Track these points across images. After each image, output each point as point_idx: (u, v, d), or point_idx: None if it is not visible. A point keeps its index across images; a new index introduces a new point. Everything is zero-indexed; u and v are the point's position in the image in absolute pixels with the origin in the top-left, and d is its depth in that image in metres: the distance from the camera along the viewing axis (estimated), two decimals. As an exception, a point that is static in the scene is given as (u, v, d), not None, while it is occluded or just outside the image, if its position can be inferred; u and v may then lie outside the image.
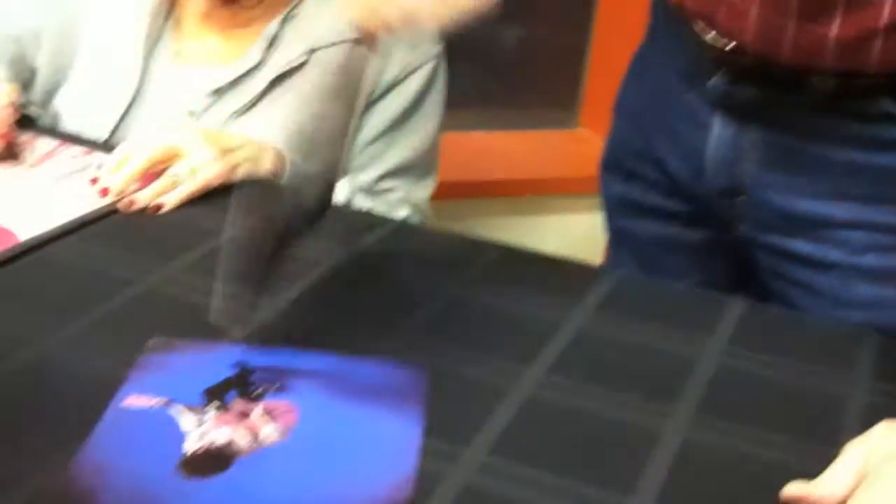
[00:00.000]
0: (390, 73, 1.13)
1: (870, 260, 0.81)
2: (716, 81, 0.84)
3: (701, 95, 0.87)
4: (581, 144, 2.04)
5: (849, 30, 0.73)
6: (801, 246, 0.85)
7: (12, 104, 1.01)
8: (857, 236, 0.82)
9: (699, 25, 0.83)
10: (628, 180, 0.99)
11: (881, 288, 0.82)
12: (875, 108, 0.77)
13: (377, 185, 1.13)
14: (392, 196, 1.13)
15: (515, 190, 1.88)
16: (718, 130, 0.86)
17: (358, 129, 1.11)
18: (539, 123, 2.12)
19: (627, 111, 1.00)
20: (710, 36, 0.82)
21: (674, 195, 0.94)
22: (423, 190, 1.17)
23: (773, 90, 0.81)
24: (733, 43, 0.80)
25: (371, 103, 1.13)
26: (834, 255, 0.83)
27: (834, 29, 0.74)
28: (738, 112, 0.84)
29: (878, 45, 0.73)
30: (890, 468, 0.56)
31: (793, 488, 0.59)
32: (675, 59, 0.91)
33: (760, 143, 0.84)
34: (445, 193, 1.22)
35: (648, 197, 0.97)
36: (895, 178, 0.79)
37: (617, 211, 1.03)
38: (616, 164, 1.02)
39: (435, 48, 1.15)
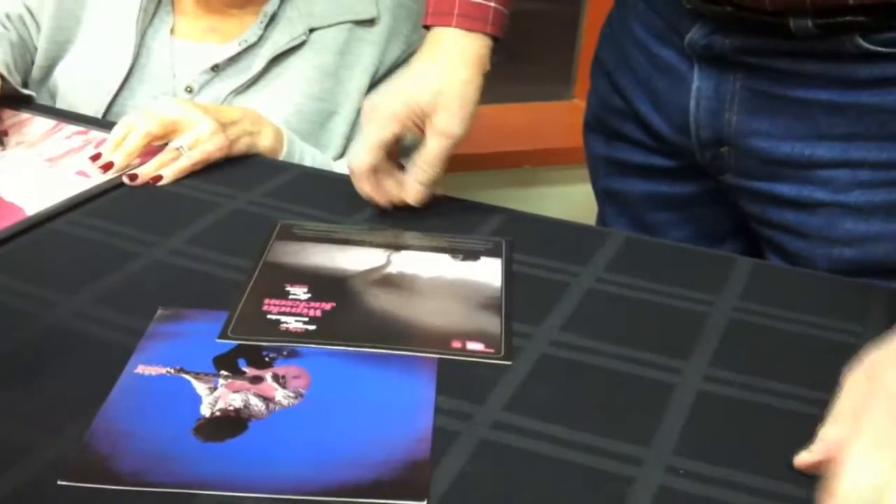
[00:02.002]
0: (393, 53, 1.12)
1: (856, 197, 0.82)
2: (693, 34, 0.84)
3: (679, 51, 0.87)
4: (577, 115, 2.03)
5: None
6: (787, 189, 0.85)
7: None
8: (842, 174, 0.82)
9: None
10: (611, 140, 1.00)
11: (868, 223, 0.83)
12: (852, 46, 0.77)
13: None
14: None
15: (513, 162, 1.88)
16: (699, 84, 0.86)
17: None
18: (535, 96, 2.11)
19: (603, 71, 1.00)
20: None
21: (658, 151, 0.94)
22: None
23: (751, 37, 0.81)
24: None
25: (375, 83, 1.12)
26: (820, 194, 0.83)
27: None
28: (717, 63, 0.85)
29: None
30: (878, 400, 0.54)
31: (805, 457, 0.58)
32: (647, 18, 0.91)
33: (741, 92, 0.84)
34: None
35: (633, 155, 0.97)
36: (876, 115, 0.79)
37: (603, 171, 1.03)
38: (598, 125, 1.02)
39: None
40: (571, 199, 1.96)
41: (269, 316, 0.70)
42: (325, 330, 0.69)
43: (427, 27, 0.86)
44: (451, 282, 0.75)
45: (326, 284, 0.75)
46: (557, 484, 0.56)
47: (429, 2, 0.86)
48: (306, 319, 0.69)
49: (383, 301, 0.73)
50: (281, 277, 0.75)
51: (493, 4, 0.85)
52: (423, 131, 0.83)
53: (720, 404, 0.63)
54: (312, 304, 0.71)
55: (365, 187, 0.85)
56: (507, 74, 2.20)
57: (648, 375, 0.66)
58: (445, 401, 0.62)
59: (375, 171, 0.84)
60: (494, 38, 0.86)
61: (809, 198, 0.84)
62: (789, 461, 0.58)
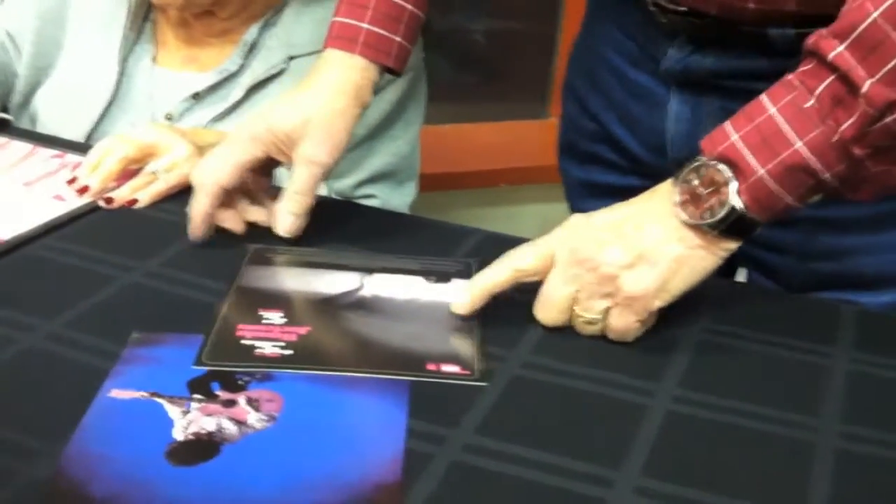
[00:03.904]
0: None
1: (831, 211, 0.83)
2: (670, 59, 0.85)
3: (653, 75, 0.88)
4: (553, 134, 2.05)
5: None
6: None
7: None
8: None
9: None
10: (585, 163, 1.01)
11: (843, 237, 0.85)
12: None
13: (355, 192, 1.13)
14: (371, 203, 1.13)
15: (489, 180, 1.89)
16: (676, 107, 0.88)
17: None
18: (511, 115, 2.13)
19: (574, 95, 1.01)
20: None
21: (633, 172, 0.95)
22: (402, 196, 1.17)
23: (729, 57, 0.82)
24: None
25: None
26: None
27: None
28: (694, 87, 0.86)
29: None
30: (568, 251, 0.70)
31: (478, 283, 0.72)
32: (619, 42, 0.92)
33: (719, 112, 0.85)
34: (421, 186, 1.23)
35: (607, 177, 0.98)
36: None
37: (579, 194, 1.04)
38: (572, 148, 1.03)
39: (417, 56, 1.15)
40: (548, 218, 1.95)
41: (242, 342, 0.70)
42: (301, 354, 0.69)
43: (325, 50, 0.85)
44: (424, 304, 0.76)
45: (301, 308, 0.75)
46: (528, 506, 0.57)
47: (332, 25, 0.85)
48: (283, 344, 0.70)
49: (358, 325, 0.74)
50: (254, 302, 0.75)
51: (398, 39, 0.85)
52: (290, 158, 0.82)
53: (690, 425, 0.64)
54: (287, 328, 0.72)
55: (202, 205, 0.81)
56: (483, 93, 2.23)
57: (619, 397, 0.67)
58: (418, 424, 0.62)
59: (227, 191, 0.82)
60: (392, 72, 0.86)
61: None
62: (757, 481, 0.59)
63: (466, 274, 0.80)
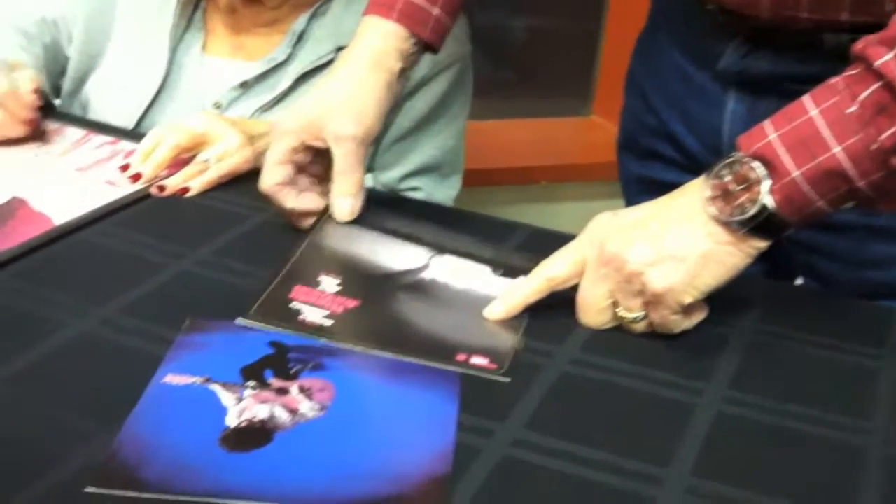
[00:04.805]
0: (419, 72, 1.13)
1: (884, 220, 0.83)
2: (727, 59, 0.85)
3: (712, 74, 0.88)
4: (595, 132, 2.05)
5: None
6: None
7: (36, 90, 1.02)
8: None
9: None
10: (645, 158, 1.00)
11: (894, 246, 0.84)
12: None
13: (400, 184, 1.13)
14: (415, 195, 1.14)
15: (530, 177, 1.89)
16: (733, 106, 0.87)
17: (386, 127, 1.11)
18: (551, 112, 2.12)
19: (638, 91, 1.01)
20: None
21: (692, 171, 0.95)
22: (446, 190, 1.17)
23: (785, 60, 0.82)
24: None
25: (399, 102, 1.13)
26: (849, 216, 0.84)
27: None
28: (751, 88, 0.86)
29: None
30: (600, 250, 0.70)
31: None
32: (680, 39, 0.92)
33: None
34: (462, 182, 1.23)
35: (666, 174, 0.98)
36: None
37: (636, 190, 1.04)
38: (632, 144, 1.03)
39: (464, 48, 1.15)
40: (588, 215, 1.97)
41: (292, 305, 0.72)
42: (339, 328, 0.70)
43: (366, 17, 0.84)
44: (480, 297, 0.76)
45: (358, 280, 0.77)
46: (577, 502, 0.57)
47: None
48: (327, 314, 0.71)
49: (407, 307, 0.74)
50: (319, 263, 0.77)
51: (436, 12, 0.84)
52: (324, 142, 0.81)
53: (739, 426, 0.64)
54: (339, 298, 0.74)
55: (282, 203, 0.82)
56: (524, 90, 2.22)
57: (669, 396, 0.66)
58: (467, 418, 0.63)
59: (290, 186, 0.82)
60: (429, 47, 0.86)
61: (838, 220, 0.84)
62: (806, 483, 0.59)
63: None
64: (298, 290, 0.73)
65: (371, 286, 0.76)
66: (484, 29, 2.11)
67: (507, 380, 0.67)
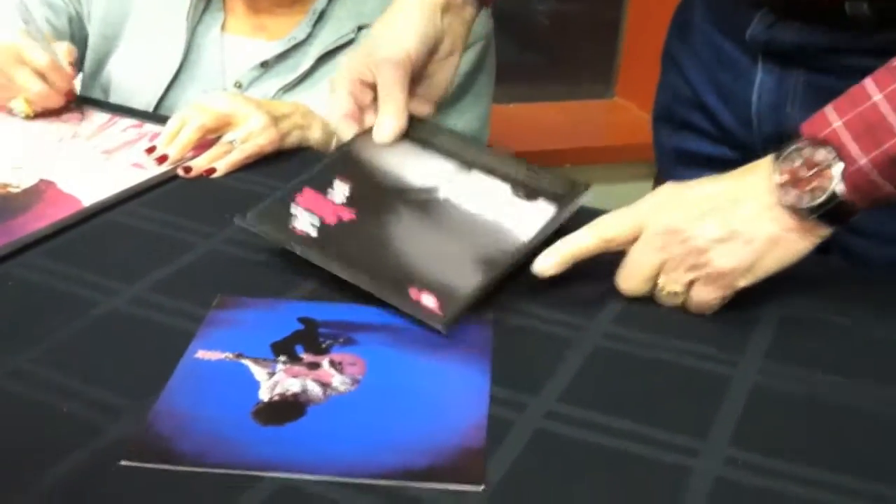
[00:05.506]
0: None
1: None
2: (754, 29, 0.84)
3: (741, 45, 0.87)
4: (618, 114, 2.04)
5: None
6: None
7: (72, 63, 1.02)
8: None
9: None
10: (680, 130, 1.00)
11: None
12: None
13: None
14: None
15: (555, 160, 1.88)
16: (762, 77, 0.87)
17: None
18: (574, 95, 2.12)
19: (673, 64, 1.00)
20: None
21: (724, 143, 0.94)
22: None
23: (811, 30, 0.81)
24: None
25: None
26: None
27: None
28: (779, 59, 0.85)
29: None
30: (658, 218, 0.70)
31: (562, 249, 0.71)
32: (711, 10, 0.91)
33: (804, 86, 0.84)
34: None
35: (701, 145, 0.97)
36: None
37: (671, 161, 1.03)
38: (667, 115, 1.02)
39: (486, 27, 1.14)
40: (613, 197, 1.95)
41: (292, 209, 0.74)
42: (318, 241, 0.72)
43: None
44: (485, 223, 0.74)
45: (366, 191, 0.77)
46: (612, 473, 0.56)
47: None
48: (318, 224, 0.73)
49: (398, 228, 0.74)
50: (338, 169, 0.78)
51: None
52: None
53: (775, 397, 0.63)
54: (340, 208, 0.75)
55: (342, 136, 0.84)
56: (547, 74, 2.21)
57: (704, 368, 0.66)
58: (500, 391, 0.62)
59: (352, 120, 0.84)
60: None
61: None
62: (840, 452, 0.58)
63: (559, 199, 0.76)
64: (306, 194, 0.74)
65: (377, 199, 0.76)
66: (508, 14, 2.11)
67: (442, 331, 0.67)
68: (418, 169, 0.79)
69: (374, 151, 0.80)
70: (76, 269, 0.74)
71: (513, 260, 0.72)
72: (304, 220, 0.71)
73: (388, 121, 0.82)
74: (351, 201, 0.74)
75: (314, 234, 0.70)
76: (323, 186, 0.75)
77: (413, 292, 0.68)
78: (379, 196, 0.76)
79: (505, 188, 0.77)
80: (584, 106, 2.08)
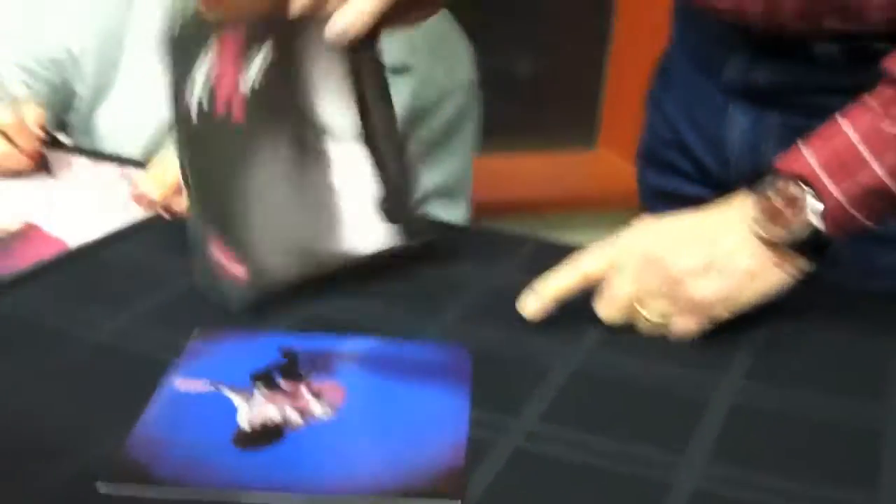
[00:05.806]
0: (426, 98, 1.14)
1: (892, 230, 0.82)
2: (731, 70, 0.86)
3: (718, 87, 0.89)
4: (599, 165, 2.06)
5: None
6: None
7: (41, 126, 1.03)
8: None
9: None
10: (662, 171, 1.01)
11: None
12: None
13: None
14: None
15: (538, 209, 1.90)
16: (739, 118, 0.88)
17: None
18: (556, 146, 2.14)
19: (657, 105, 1.02)
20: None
21: (703, 183, 0.95)
22: (455, 214, 1.18)
23: (785, 70, 0.83)
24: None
25: (406, 127, 1.14)
26: None
27: None
28: (755, 100, 0.86)
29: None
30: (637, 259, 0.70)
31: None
32: (689, 49, 0.93)
33: (779, 127, 0.86)
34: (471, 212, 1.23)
35: (683, 186, 0.98)
36: None
37: (654, 201, 1.04)
38: (650, 155, 1.03)
39: (470, 73, 1.16)
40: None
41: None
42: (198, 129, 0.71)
43: None
44: (336, 213, 0.73)
45: (274, 92, 0.72)
46: (592, 490, 0.56)
47: None
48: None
49: (265, 159, 0.72)
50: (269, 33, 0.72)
51: None
52: None
53: (755, 416, 0.64)
54: (239, 95, 0.73)
55: None
56: (529, 126, 2.24)
57: (683, 389, 0.66)
58: (479, 413, 0.62)
59: None
60: None
61: None
62: (822, 468, 0.58)
63: (412, 237, 0.76)
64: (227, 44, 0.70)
65: (275, 109, 0.71)
66: (490, 71, 2.14)
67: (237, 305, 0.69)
68: (329, 106, 0.71)
69: (306, 46, 0.70)
70: (60, 303, 0.74)
71: (331, 271, 0.71)
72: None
73: (349, 16, 0.71)
74: (253, 93, 0.68)
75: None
76: (249, 42, 0.69)
77: (217, 246, 0.64)
78: (278, 105, 0.69)
79: (375, 192, 0.74)
80: (566, 157, 2.11)
